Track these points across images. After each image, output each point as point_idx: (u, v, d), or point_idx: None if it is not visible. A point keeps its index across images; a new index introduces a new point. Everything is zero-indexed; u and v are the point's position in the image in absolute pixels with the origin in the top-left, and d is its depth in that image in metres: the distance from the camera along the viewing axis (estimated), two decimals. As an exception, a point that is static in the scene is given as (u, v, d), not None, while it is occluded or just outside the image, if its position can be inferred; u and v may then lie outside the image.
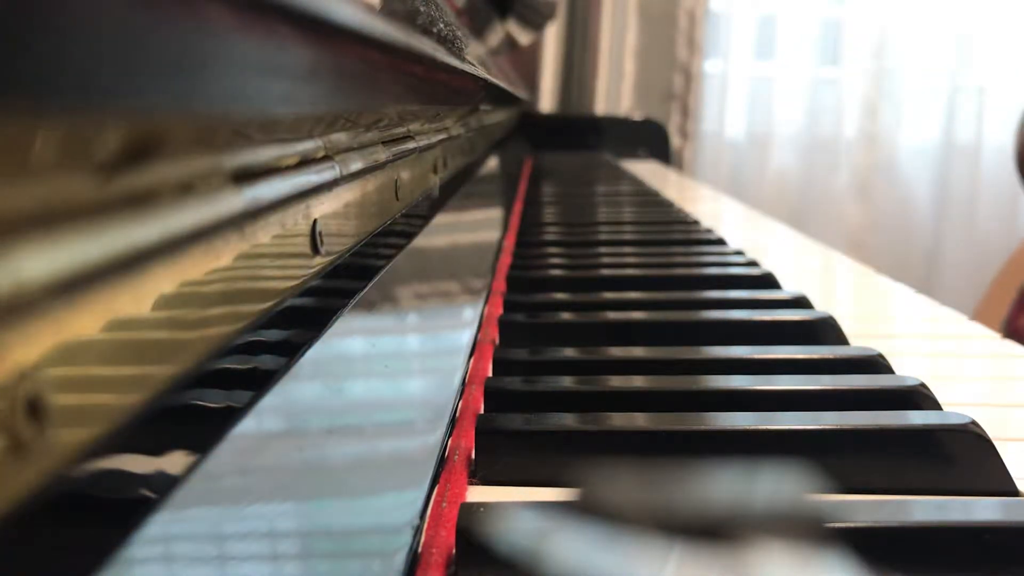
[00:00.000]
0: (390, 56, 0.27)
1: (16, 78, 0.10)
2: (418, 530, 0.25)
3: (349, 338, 0.28)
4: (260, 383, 0.21)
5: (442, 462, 0.31)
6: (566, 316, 0.49)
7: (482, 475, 0.31)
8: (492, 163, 0.97)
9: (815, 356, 0.42)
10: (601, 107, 2.27)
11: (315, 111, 0.24)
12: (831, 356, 0.42)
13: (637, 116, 2.15)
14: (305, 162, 0.23)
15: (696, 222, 0.87)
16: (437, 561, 0.24)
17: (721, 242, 0.74)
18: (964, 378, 0.44)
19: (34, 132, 0.11)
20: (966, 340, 0.52)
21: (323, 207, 0.25)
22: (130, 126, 0.13)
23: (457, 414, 0.35)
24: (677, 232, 0.81)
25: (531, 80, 2.10)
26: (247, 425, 0.19)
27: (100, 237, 0.12)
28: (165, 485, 0.15)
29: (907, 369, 0.41)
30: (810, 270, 0.74)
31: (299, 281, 0.23)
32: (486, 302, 0.52)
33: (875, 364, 0.41)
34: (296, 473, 0.22)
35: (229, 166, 0.18)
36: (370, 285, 0.32)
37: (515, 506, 0.27)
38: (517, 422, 0.33)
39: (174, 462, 0.16)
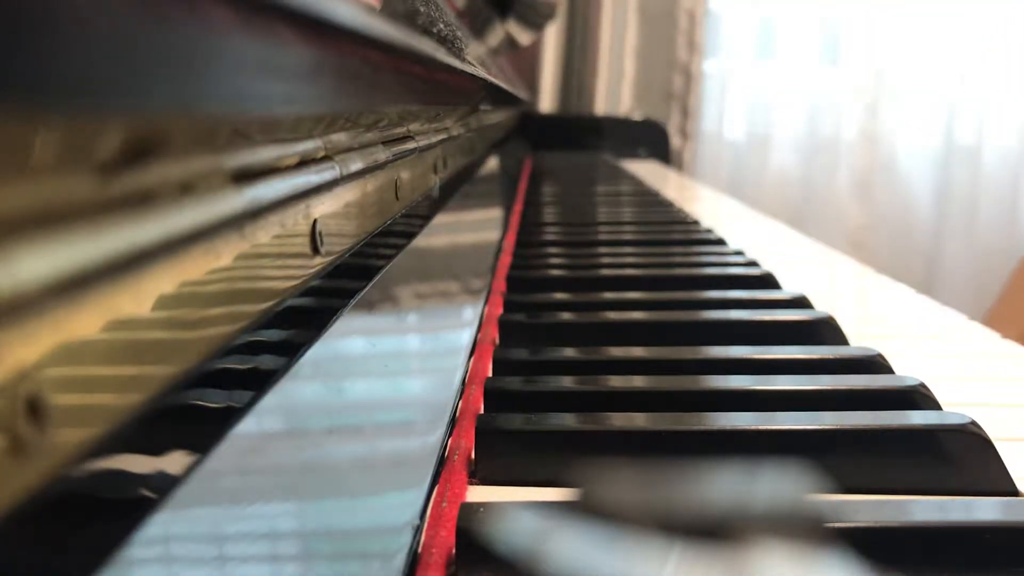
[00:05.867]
0: (390, 56, 0.27)
1: (16, 78, 0.10)
2: (418, 530, 0.25)
3: (349, 338, 0.28)
4: (260, 383, 0.21)
5: (442, 462, 0.31)
6: (566, 316, 0.49)
7: (482, 475, 0.31)
8: (492, 163, 0.97)
9: (815, 356, 0.42)
10: (601, 107, 2.27)
11: (315, 111, 0.24)
12: (831, 356, 0.42)
13: (637, 116, 2.15)
14: (305, 162, 0.23)
15: (696, 222, 0.87)
16: (437, 561, 0.24)
17: (721, 242, 0.74)
18: (964, 378, 0.44)
19: (34, 132, 0.11)
20: (966, 340, 0.52)
21: (323, 207, 0.25)
22: (130, 126, 0.13)
23: (457, 414, 0.35)
24: (677, 232, 0.81)
25: (531, 80, 2.10)
26: (247, 425, 0.19)
27: (100, 237, 0.12)
28: (165, 485, 0.15)
29: (907, 369, 0.41)
30: (814, 273, 0.74)
31: (299, 281, 0.23)
32: (486, 302, 0.52)
33: (875, 364, 0.41)
34: (296, 473, 0.22)
35: (229, 166, 0.18)
36: (370, 285, 0.32)
37: (515, 506, 0.27)
38: (517, 422, 0.33)
39: (174, 462, 0.16)
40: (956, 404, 0.36)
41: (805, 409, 0.34)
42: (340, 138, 0.27)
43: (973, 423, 0.32)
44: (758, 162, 2.31)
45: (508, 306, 0.52)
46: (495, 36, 1.11)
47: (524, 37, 1.26)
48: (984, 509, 0.28)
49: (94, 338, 0.13)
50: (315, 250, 0.25)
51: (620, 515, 0.13)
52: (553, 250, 0.73)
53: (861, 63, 2.32)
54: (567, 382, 0.37)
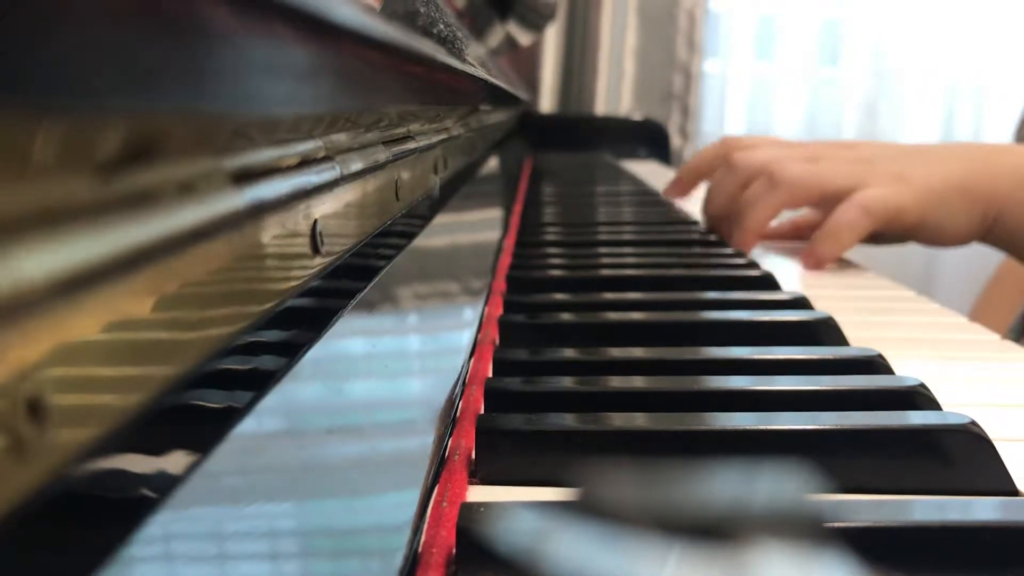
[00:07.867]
0: (390, 56, 0.27)
1: (16, 78, 0.10)
2: (418, 529, 0.25)
3: (350, 338, 0.28)
4: (260, 383, 0.21)
5: (442, 462, 0.31)
6: (566, 316, 0.49)
7: (482, 475, 0.31)
8: (492, 163, 0.97)
9: (815, 356, 0.42)
10: (601, 107, 2.27)
11: (315, 111, 0.24)
12: (831, 356, 0.42)
13: (637, 116, 2.14)
14: (305, 162, 0.23)
15: (696, 222, 0.87)
16: (437, 561, 0.24)
17: (721, 243, 0.74)
18: (964, 378, 0.44)
19: (34, 132, 0.11)
20: (966, 340, 0.52)
21: (323, 207, 0.25)
22: (130, 126, 0.13)
23: (457, 414, 0.35)
24: (677, 232, 0.81)
25: (531, 80, 2.10)
26: (247, 425, 0.19)
27: (100, 237, 0.12)
28: (165, 485, 0.15)
29: (907, 369, 0.41)
30: (814, 273, 0.74)
31: (299, 281, 0.23)
32: (486, 302, 0.52)
33: (875, 364, 0.41)
34: (297, 473, 0.22)
35: (229, 167, 0.18)
36: (371, 285, 0.32)
37: (515, 506, 0.27)
38: (517, 422, 0.33)
39: (174, 462, 0.16)
40: (956, 404, 0.36)
41: (805, 409, 0.34)
42: (340, 138, 0.27)
43: (973, 423, 0.32)
44: (758, 162, 2.31)
45: (508, 306, 0.52)
46: (495, 36, 1.11)
47: (524, 38, 1.26)
48: (984, 509, 0.28)
49: (94, 338, 0.13)
50: (315, 250, 0.25)
51: (620, 515, 0.13)
52: (553, 250, 0.73)
53: (861, 63, 2.32)
54: (567, 382, 0.37)
